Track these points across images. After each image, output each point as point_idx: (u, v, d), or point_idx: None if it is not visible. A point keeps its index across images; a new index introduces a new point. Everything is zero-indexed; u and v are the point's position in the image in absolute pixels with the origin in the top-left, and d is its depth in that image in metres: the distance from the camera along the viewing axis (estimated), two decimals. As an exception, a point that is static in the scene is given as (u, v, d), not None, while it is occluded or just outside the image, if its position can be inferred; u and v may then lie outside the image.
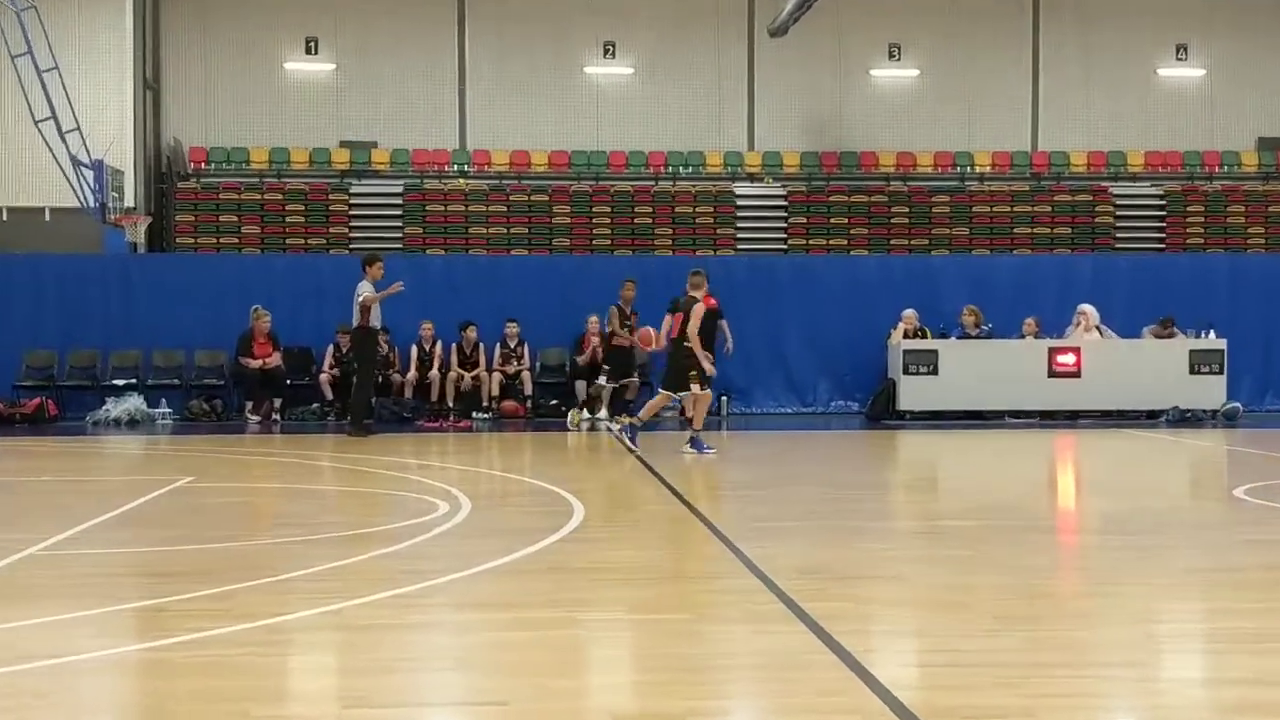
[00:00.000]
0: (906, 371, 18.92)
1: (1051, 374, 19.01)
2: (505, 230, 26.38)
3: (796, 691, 4.95)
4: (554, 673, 5.21)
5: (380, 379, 17.81)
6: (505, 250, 25.56)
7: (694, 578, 7.27)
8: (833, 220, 26.96)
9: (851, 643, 5.53)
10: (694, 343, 13.87)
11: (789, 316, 20.04)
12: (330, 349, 18.98)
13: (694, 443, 13.98)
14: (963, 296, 19.89)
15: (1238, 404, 19.14)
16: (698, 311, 13.90)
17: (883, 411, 19.03)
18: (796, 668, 5.25)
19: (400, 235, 26.31)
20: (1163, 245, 26.95)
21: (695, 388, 13.98)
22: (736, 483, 12.57)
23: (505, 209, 26.60)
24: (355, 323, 16.20)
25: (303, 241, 26.06)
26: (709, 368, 14.03)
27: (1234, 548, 8.31)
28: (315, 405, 18.92)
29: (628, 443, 13.99)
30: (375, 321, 16.22)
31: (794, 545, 8.36)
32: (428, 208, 26.58)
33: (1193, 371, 19.12)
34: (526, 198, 26.76)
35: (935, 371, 18.96)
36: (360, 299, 16.04)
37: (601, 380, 17.97)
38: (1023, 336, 19.49)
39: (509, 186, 27.19)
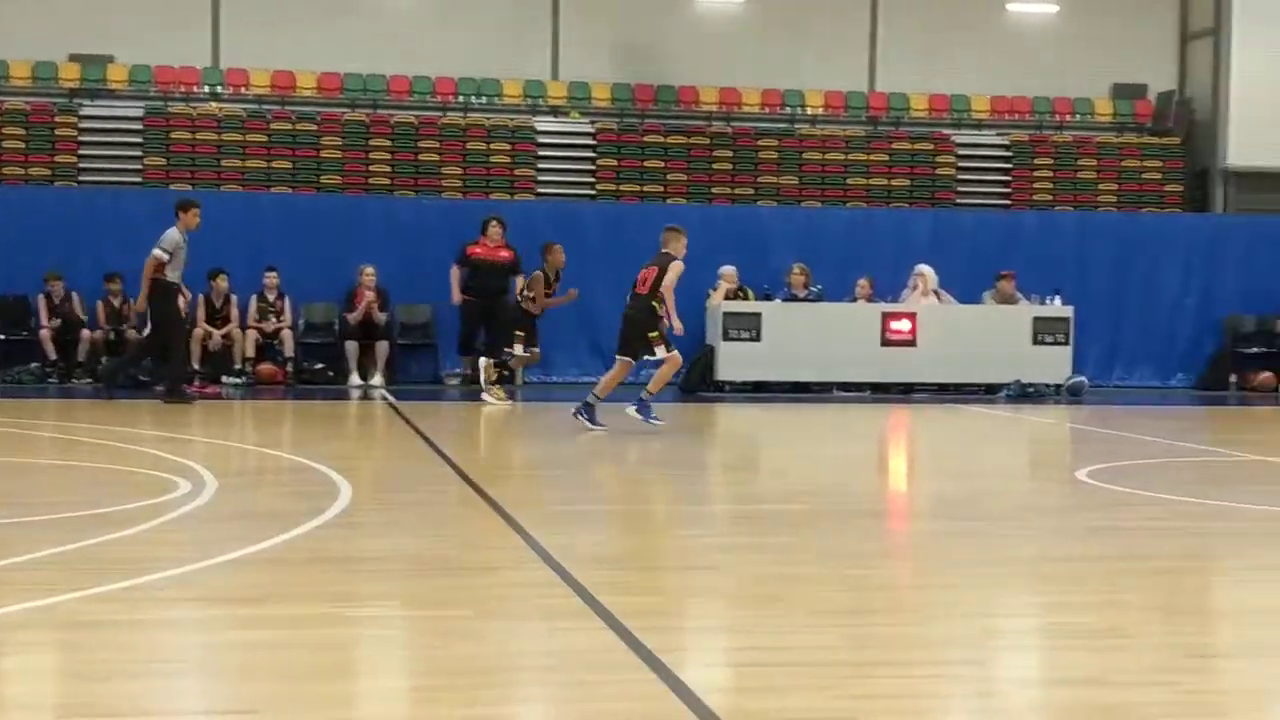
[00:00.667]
0: (726, 337, 19.19)
1: (885, 342, 19.47)
2: (265, 164, 25.85)
3: (591, 696, 4.99)
4: (311, 677, 5.15)
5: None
6: (264, 187, 25.07)
7: (478, 569, 7.26)
8: (647, 163, 27.09)
9: (655, 641, 5.59)
10: (668, 299, 13.88)
11: (595, 272, 20.01)
12: (42, 299, 18.63)
13: (642, 408, 13.93)
14: (790, 253, 20.23)
15: (1083, 378, 19.89)
16: (677, 267, 13.89)
17: (699, 382, 19.26)
18: (592, 669, 5.29)
19: (140, 166, 25.60)
20: (1008, 201, 27.81)
21: (661, 350, 13.97)
22: (530, 461, 12.59)
23: (265, 139, 26.07)
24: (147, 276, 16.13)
25: (22, 171, 25.16)
26: (677, 325, 14.11)
27: (1075, 535, 8.66)
28: (35, 365, 18.57)
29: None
30: (173, 275, 16.11)
31: (594, 532, 8.42)
32: (172, 135, 25.89)
33: (1036, 341, 19.79)
34: (290, 126, 26.26)
35: (758, 337, 19.25)
36: (153, 253, 15.91)
37: (519, 350, 17.67)
38: (854, 299, 19.93)
39: (270, 113, 26.64)
